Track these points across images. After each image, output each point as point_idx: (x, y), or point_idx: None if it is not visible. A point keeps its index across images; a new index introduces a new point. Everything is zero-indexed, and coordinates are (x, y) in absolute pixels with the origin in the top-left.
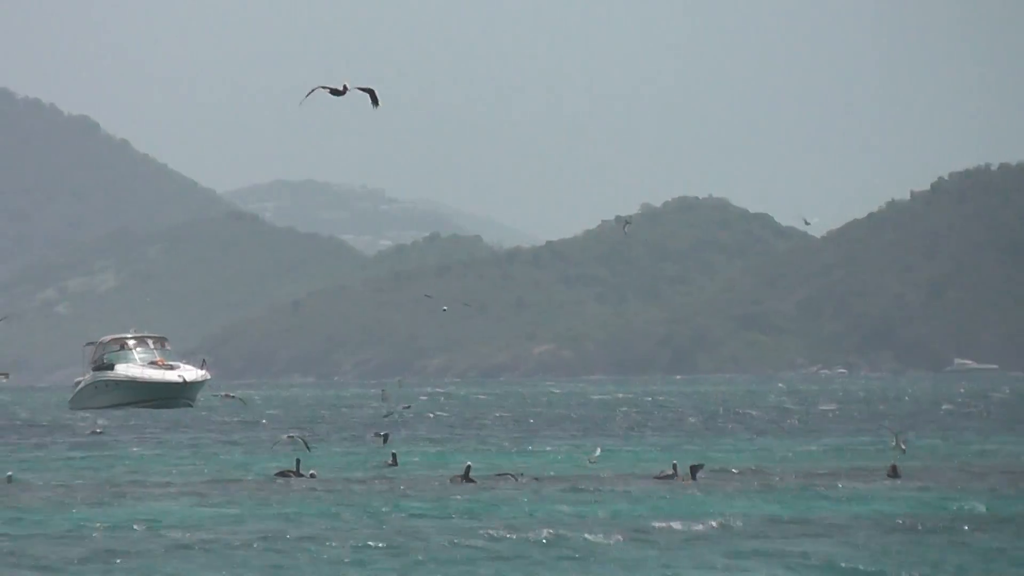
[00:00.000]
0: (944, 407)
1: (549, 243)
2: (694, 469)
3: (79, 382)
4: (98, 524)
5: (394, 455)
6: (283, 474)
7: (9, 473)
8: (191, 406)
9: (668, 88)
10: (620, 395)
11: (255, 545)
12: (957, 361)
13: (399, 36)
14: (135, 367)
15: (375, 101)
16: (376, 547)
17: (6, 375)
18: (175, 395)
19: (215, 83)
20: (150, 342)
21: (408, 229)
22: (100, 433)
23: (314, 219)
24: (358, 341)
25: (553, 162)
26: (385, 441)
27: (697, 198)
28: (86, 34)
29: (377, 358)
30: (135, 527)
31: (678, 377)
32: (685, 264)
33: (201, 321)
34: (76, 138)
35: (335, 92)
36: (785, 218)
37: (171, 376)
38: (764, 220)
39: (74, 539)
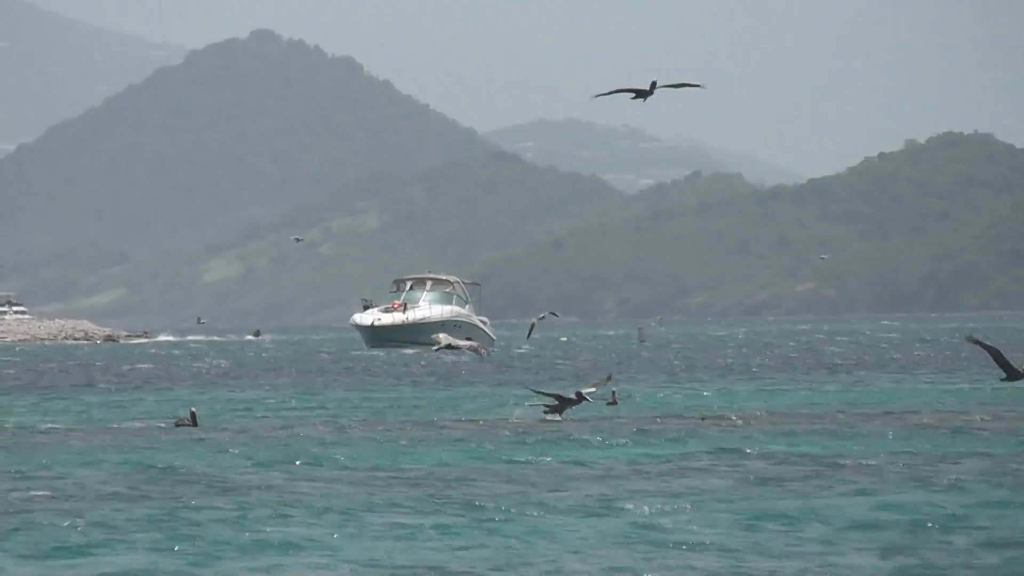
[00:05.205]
0: None
1: (811, 180)
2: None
3: None
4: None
5: (614, 392)
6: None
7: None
8: (409, 345)
9: (932, 22)
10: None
11: None
12: None
13: None
14: (370, 311)
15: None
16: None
17: (258, 334)
18: (369, 338)
19: (476, 23)
20: (428, 283)
21: (669, 167)
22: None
23: (575, 158)
24: (619, 279)
25: (815, 99)
26: (609, 379)
27: (962, 134)
28: None
29: (638, 296)
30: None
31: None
32: (950, 200)
33: (462, 260)
34: (340, 79)
35: (640, 94)
36: None
37: (366, 320)
38: None
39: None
